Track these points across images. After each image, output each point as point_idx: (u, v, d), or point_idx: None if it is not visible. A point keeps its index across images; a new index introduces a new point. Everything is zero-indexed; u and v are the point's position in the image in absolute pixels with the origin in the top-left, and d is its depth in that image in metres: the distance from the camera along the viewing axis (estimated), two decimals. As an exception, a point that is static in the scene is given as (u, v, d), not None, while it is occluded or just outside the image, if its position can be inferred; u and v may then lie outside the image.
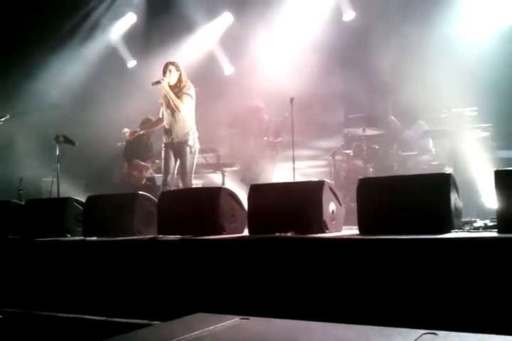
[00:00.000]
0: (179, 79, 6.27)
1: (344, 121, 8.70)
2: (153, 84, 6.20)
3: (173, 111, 6.20)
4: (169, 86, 6.17)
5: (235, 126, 8.33)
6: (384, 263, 3.23)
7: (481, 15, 7.59)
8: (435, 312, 2.97)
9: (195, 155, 6.25)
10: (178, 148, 6.22)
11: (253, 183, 7.47)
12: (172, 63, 6.31)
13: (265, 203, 4.11)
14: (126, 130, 8.81)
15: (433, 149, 7.38)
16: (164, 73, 6.21)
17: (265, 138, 7.90)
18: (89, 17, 10.39)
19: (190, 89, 6.25)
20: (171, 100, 6.14)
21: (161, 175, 6.58)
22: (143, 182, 7.87)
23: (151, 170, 7.97)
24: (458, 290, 2.96)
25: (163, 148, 6.32)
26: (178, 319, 2.43)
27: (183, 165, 6.18)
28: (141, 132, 6.88)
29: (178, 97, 6.17)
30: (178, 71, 6.27)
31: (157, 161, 7.96)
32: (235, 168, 8.03)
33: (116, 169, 8.97)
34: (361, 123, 7.73)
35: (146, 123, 7.91)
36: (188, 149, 6.17)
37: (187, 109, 6.22)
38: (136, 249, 4.31)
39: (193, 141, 6.22)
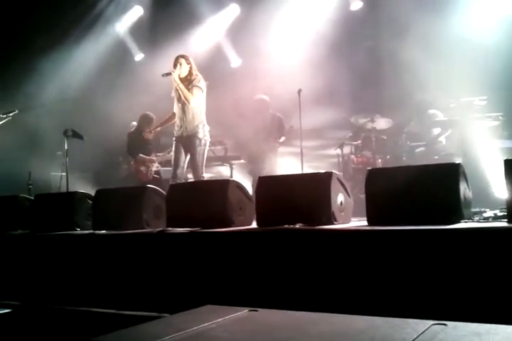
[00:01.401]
0: (190, 72, 6.26)
1: (352, 111, 8.64)
2: (163, 75, 6.18)
3: (183, 104, 6.20)
4: (180, 78, 6.16)
5: (239, 119, 8.28)
6: (393, 254, 3.22)
7: (490, 3, 7.52)
8: (444, 302, 2.96)
9: (205, 148, 6.23)
10: (188, 141, 6.21)
11: (258, 175, 7.56)
12: (182, 56, 6.30)
13: (273, 195, 4.10)
14: (134, 123, 8.85)
15: (443, 139, 7.33)
16: (175, 66, 6.20)
17: (269, 137, 7.78)
18: (95, 11, 10.38)
19: (201, 82, 6.23)
20: (180, 92, 6.13)
21: (166, 168, 6.59)
22: (151, 177, 7.88)
23: (157, 164, 7.99)
24: (468, 281, 2.94)
25: (174, 142, 6.32)
26: (187, 311, 2.43)
27: (193, 158, 6.18)
28: (158, 129, 6.84)
29: (189, 90, 6.16)
30: (188, 64, 6.25)
31: (159, 154, 7.98)
32: (242, 161, 8.02)
33: (124, 163, 9.00)
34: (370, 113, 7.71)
35: (144, 119, 8.02)
36: (197, 142, 6.16)
37: (197, 101, 6.20)
38: (145, 242, 4.32)
39: (203, 134, 6.21)
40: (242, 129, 8.05)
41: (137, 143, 7.95)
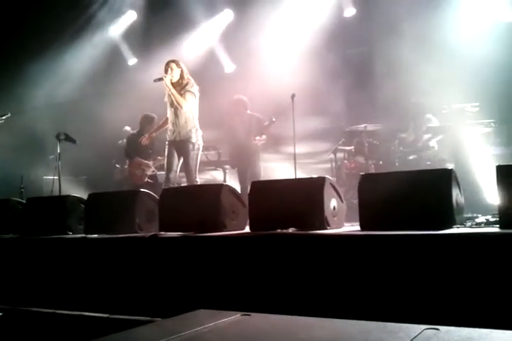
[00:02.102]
0: (181, 76, 6.26)
1: (346, 117, 8.67)
2: (155, 80, 6.20)
3: (176, 109, 6.20)
4: (171, 83, 6.17)
5: (221, 122, 8.22)
6: (385, 259, 3.22)
7: (482, 11, 7.57)
8: (437, 307, 2.96)
9: (198, 152, 6.24)
10: (181, 146, 6.22)
11: (243, 179, 7.52)
12: (173, 61, 6.31)
13: (267, 200, 4.11)
14: (127, 128, 8.83)
15: (435, 145, 7.36)
16: (166, 71, 6.21)
17: (249, 138, 7.55)
18: (89, 15, 10.38)
19: (193, 87, 6.24)
20: (172, 97, 6.14)
21: (163, 172, 6.57)
22: (145, 180, 7.84)
23: (152, 168, 7.94)
24: (460, 286, 2.95)
25: (167, 146, 6.31)
26: (180, 315, 2.42)
27: (186, 163, 6.18)
28: (154, 134, 6.79)
29: (181, 95, 6.17)
30: (179, 68, 6.26)
31: (159, 158, 7.93)
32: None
33: (117, 167, 8.97)
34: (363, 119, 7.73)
35: (146, 119, 7.94)
36: (191, 146, 6.17)
37: (189, 106, 6.21)
38: (137, 246, 4.31)
39: (196, 138, 6.22)
40: (224, 132, 7.99)
41: (137, 145, 7.87)
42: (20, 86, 9.56)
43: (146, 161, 7.92)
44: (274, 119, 7.46)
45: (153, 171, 7.95)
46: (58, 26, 9.86)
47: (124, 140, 8.89)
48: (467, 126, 6.67)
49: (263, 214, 4.07)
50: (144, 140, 6.78)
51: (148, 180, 7.86)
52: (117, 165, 8.98)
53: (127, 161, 8.17)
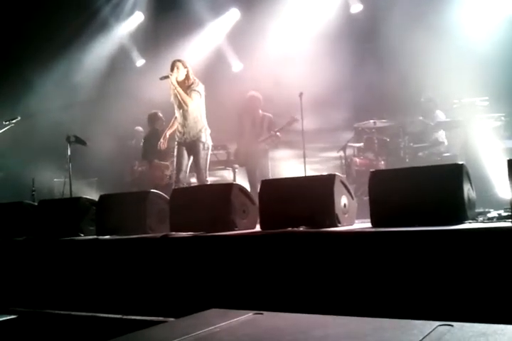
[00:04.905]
0: (187, 76, 6.27)
1: (354, 114, 8.64)
2: (161, 78, 6.20)
3: (184, 110, 6.21)
4: (177, 82, 6.17)
5: (230, 120, 8.19)
6: (397, 256, 3.21)
7: (491, 4, 7.53)
8: (450, 303, 2.95)
9: (208, 152, 6.26)
10: (191, 146, 6.23)
11: (251, 178, 7.51)
12: (179, 60, 6.33)
13: (277, 198, 4.10)
14: (138, 128, 8.86)
15: (445, 140, 7.33)
16: (172, 69, 6.23)
17: (258, 138, 7.56)
18: (96, 17, 10.41)
19: (199, 86, 6.25)
20: (178, 95, 6.14)
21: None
22: (166, 181, 7.84)
23: (171, 168, 7.97)
24: (473, 281, 2.93)
25: (176, 146, 6.32)
26: (192, 315, 2.43)
27: (197, 162, 6.19)
28: (167, 136, 6.73)
29: (187, 94, 6.18)
30: (185, 68, 6.27)
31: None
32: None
33: (127, 168, 9.00)
34: (371, 116, 7.70)
35: (153, 118, 7.98)
36: (201, 146, 6.18)
37: (195, 104, 6.21)
38: (148, 246, 4.32)
39: (206, 138, 6.24)
40: (234, 130, 7.97)
41: (152, 147, 7.82)
42: (29, 89, 9.61)
43: (164, 163, 7.95)
44: (296, 117, 7.29)
45: (172, 171, 7.97)
46: (65, 28, 9.90)
47: (134, 140, 8.93)
48: (477, 121, 6.63)
49: (273, 213, 4.07)
50: (162, 145, 6.70)
51: (170, 181, 7.86)
52: (127, 166, 9.00)
53: (147, 163, 8.18)
